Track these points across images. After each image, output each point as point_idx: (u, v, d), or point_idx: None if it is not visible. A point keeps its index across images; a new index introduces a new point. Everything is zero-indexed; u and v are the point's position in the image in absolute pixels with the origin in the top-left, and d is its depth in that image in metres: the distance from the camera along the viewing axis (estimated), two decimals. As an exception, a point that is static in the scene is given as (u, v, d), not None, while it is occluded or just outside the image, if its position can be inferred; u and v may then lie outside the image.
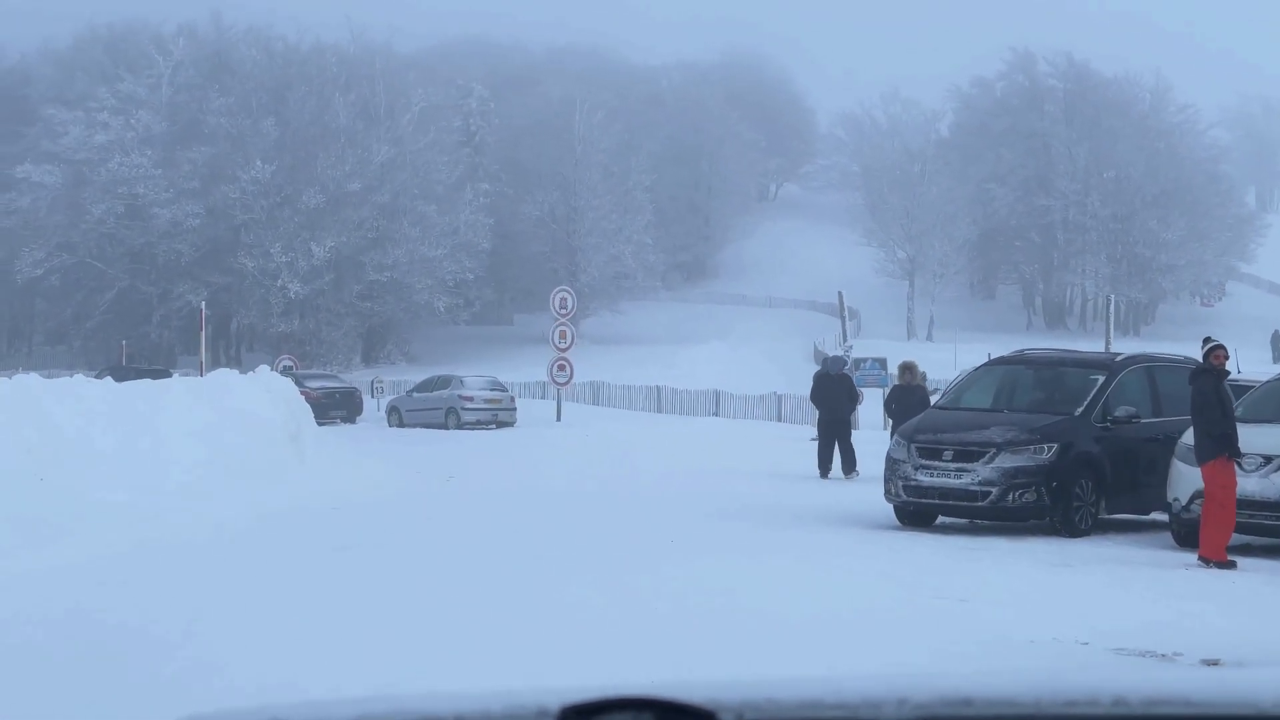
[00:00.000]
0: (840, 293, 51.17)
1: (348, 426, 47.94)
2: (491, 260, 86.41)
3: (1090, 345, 67.91)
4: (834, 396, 25.11)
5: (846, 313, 51.08)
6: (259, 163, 77.05)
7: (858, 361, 38.68)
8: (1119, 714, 1.35)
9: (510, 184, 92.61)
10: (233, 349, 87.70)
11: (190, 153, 78.58)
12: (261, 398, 25.59)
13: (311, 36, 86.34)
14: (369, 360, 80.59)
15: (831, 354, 40.00)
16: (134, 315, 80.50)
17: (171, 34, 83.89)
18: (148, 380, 25.92)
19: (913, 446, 17.85)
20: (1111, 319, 49.82)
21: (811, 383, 26.34)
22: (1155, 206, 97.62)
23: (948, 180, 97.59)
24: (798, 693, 1.36)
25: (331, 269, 78.66)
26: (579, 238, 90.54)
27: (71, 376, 25.34)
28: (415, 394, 49.29)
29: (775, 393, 51.78)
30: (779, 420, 49.55)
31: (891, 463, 18.15)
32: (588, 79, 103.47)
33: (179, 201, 77.76)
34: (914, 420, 19.00)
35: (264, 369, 28.93)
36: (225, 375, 26.25)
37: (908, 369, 23.19)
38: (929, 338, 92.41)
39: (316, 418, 50.46)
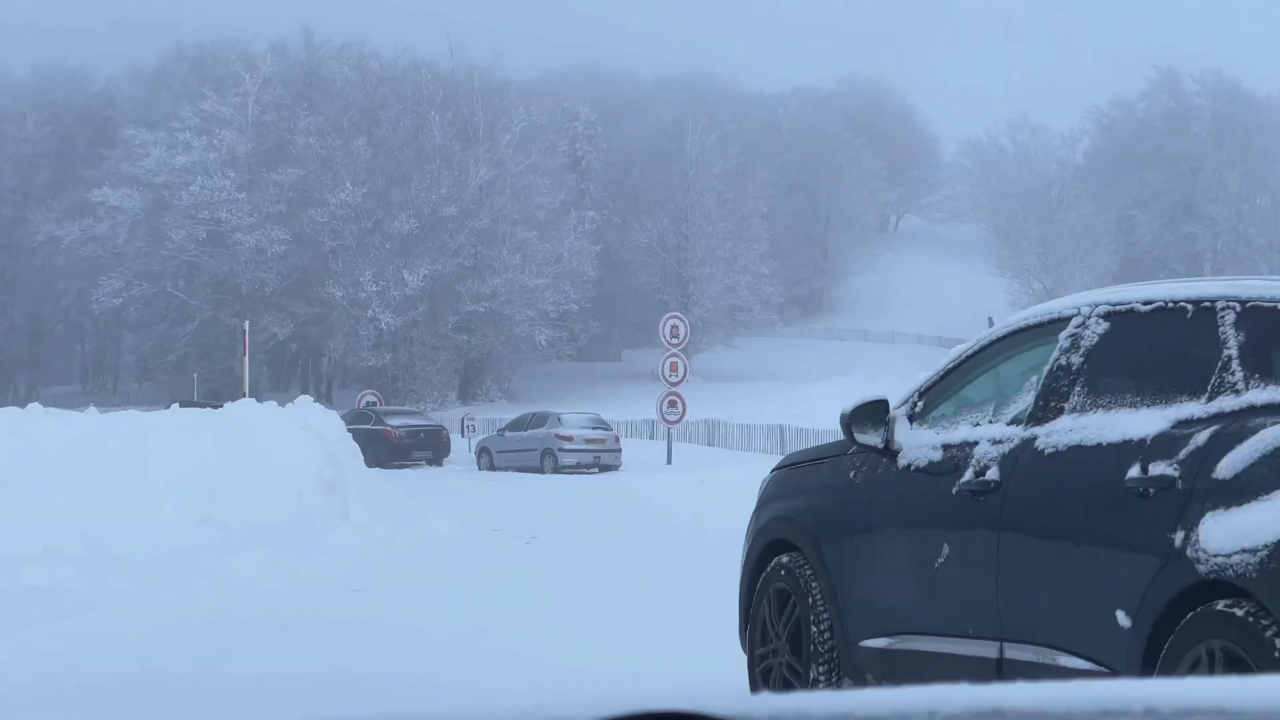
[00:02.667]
0: (990, 319, 44.95)
1: (433, 470, 43.30)
2: (598, 291, 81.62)
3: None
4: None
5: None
6: (349, 185, 72.84)
7: None
8: None
9: (618, 211, 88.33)
10: (324, 385, 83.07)
11: (276, 175, 74.62)
12: (290, 437, 19.86)
13: (408, 55, 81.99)
14: (465, 397, 75.83)
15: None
16: (218, 348, 76.28)
17: (260, 52, 79.83)
18: (133, 411, 20.31)
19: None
20: None
21: None
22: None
23: (1088, 206, 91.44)
24: (828, 705, 1.35)
25: (425, 299, 74.30)
26: (691, 267, 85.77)
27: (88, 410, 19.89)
28: (508, 433, 43.96)
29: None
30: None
31: None
32: (700, 103, 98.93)
33: (263, 227, 73.75)
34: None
35: (305, 400, 23.30)
36: (245, 408, 20.56)
37: None
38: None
39: (399, 459, 45.62)
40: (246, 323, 30.65)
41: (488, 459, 43.68)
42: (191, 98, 77.33)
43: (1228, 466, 5.17)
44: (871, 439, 6.84)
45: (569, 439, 41.01)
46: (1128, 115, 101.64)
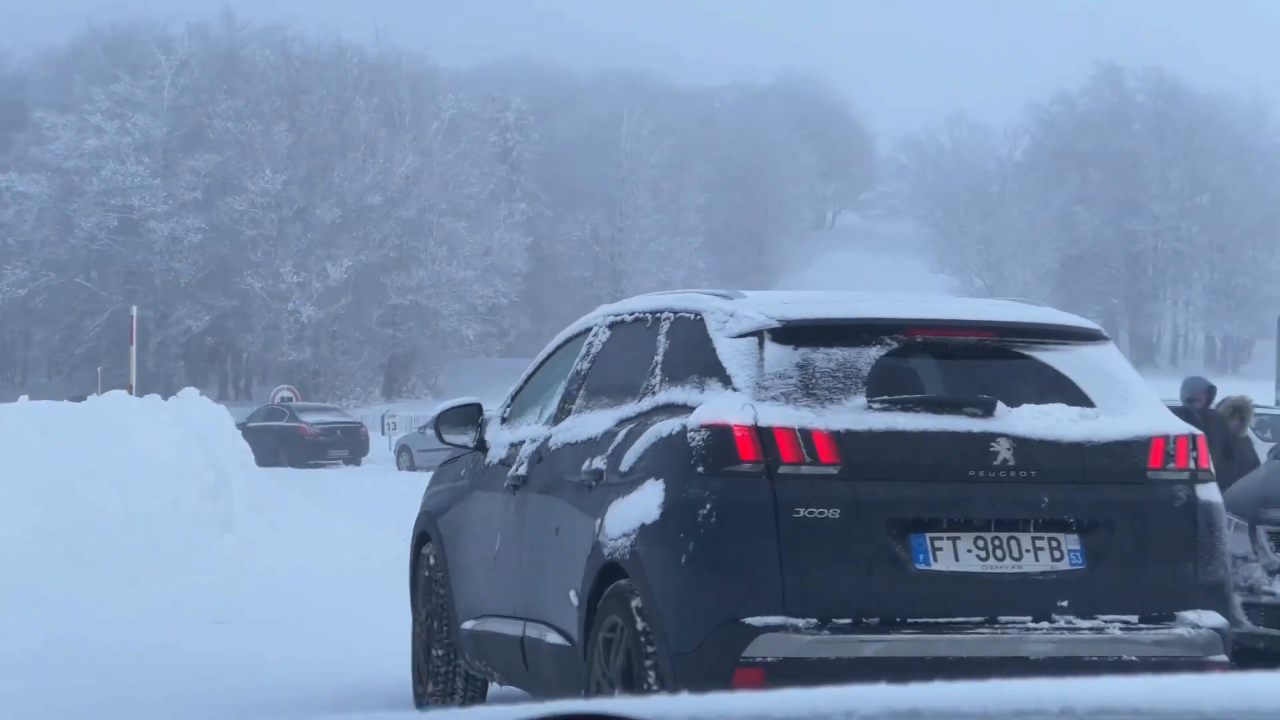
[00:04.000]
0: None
1: (350, 470, 41.01)
2: (528, 285, 79.53)
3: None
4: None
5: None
6: (269, 172, 70.35)
7: None
8: None
9: (550, 204, 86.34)
10: (242, 381, 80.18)
11: (192, 161, 72.05)
12: (166, 436, 17.18)
13: (332, 39, 79.31)
14: (390, 394, 73.58)
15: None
16: (129, 342, 73.10)
17: (178, 34, 77.05)
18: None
19: (1262, 532, 9.55)
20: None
21: None
22: (1259, 233, 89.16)
23: (1029, 203, 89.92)
24: (746, 706, 1.35)
25: (349, 291, 71.90)
26: (625, 261, 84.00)
27: None
28: (429, 431, 41.26)
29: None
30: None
31: None
32: (635, 94, 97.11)
33: (178, 214, 71.06)
34: (1252, 486, 10.42)
35: (189, 392, 20.58)
36: (113, 402, 17.88)
37: (1237, 410, 14.07)
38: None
39: (314, 458, 42.90)
40: (134, 308, 27.87)
41: (408, 458, 41.77)
42: (105, 80, 74.54)
43: (626, 460, 5.81)
44: (462, 439, 7.49)
45: (495, 438, 38.58)
46: (1069, 111, 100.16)
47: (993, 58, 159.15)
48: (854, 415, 5.51)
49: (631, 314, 6.53)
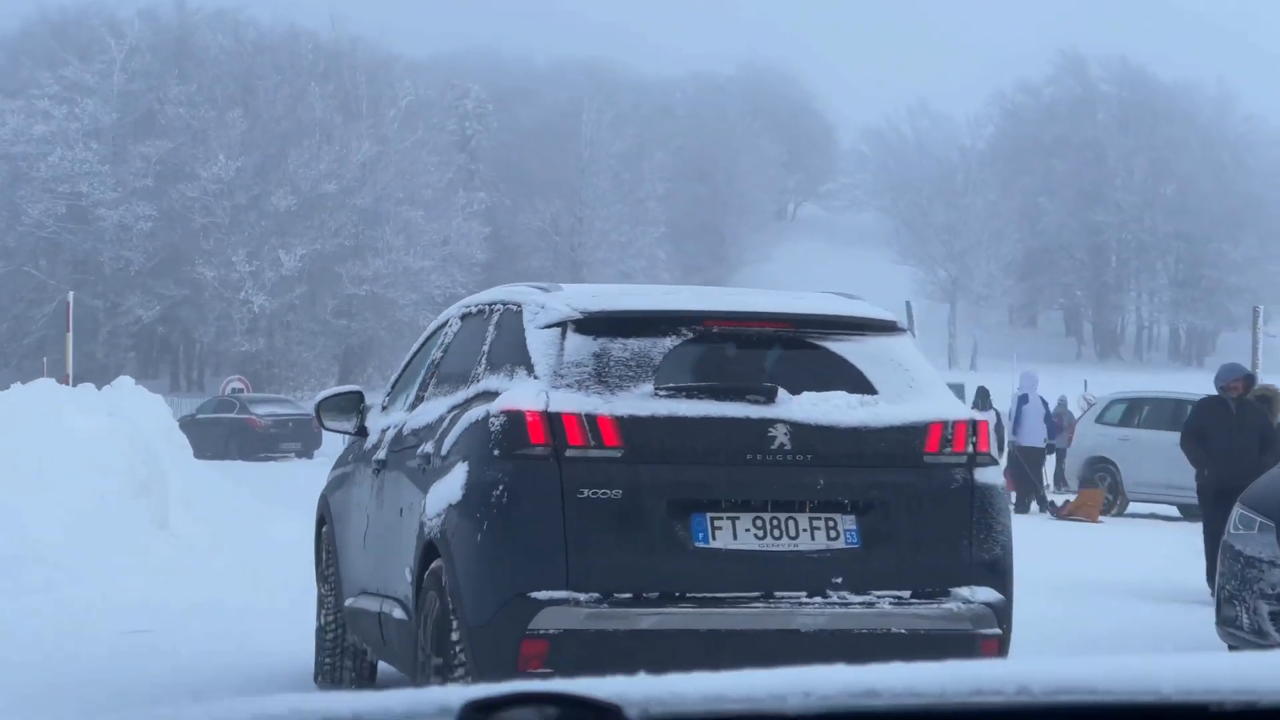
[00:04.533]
0: (908, 303, 41.89)
1: (302, 463, 39.76)
2: (486, 275, 77.80)
3: (1150, 377, 59.11)
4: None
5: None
6: (222, 158, 68.85)
7: (982, 390, 29.24)
8: (1022, 702, 1.37)
9: (509, 193, 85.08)
10: (194, 372, 78.67)
11: (143, 147, 70.46)
12: (95, 427, 16.04)
13: (286, 23, 77.83)
14: (346, 385, 71.89)
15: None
16: (78, 332, 71.44)
17: (129, 17, 75.36)
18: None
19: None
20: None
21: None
22: (1224, 224, 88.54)
23: (993, 193, 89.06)
24: (703, 687, 1.38)
25: (303, 281, 70.34)
26: (585, 251, 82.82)
27: None
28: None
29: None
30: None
31: (1241, 564, 8.87)
32: (595, 83, 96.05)
33: (129, 201, 69.44)
34: (1278, 485, 9.49)
35: (124, 381, 19.48)
36: (38, 390, 16.71)
37: (1266, 397, 13.20)
38: (973, 366, 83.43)
39: (265, 451, 41.56)
40: (71, 294, 26.67)
41: (361, 451, 40.04)
42: (53, 64, 72.78)
43: (445, 445, 6.22)
44: (344, 425, 7.83)
45: (451, 429, 37.50)
46: (1033, 101, 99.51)
47: (955, 46, 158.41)
48: (640, 402, 5.78)
49: (476, 306, 6.94)
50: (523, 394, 5.82)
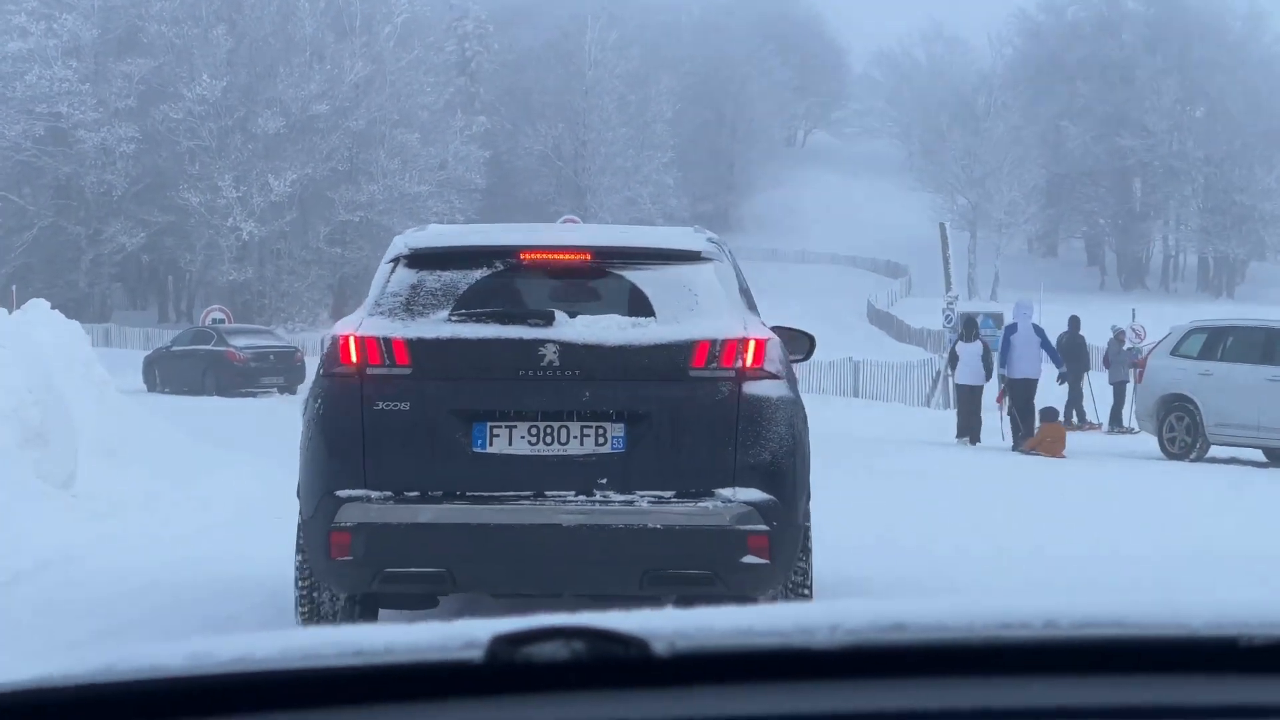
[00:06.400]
0: (943, 225, 38.51)
1: (284, 399, 36.60)
2: (485, 202, 75.28)
3: (1177, 308, 55.88)
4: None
5: (938, 263, 38.24)
6: (207, 78, 65.52)
7: (968, 318, 27.56)
8: (1050, 636, 1.39)
9: (509, 117, 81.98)
10: (183, 303, 75.68)
11: (125, 65, 67.03)
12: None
13: (277, -65, 74.28)
14: (339, 316, 68.18)
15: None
16: (60, 259, 68.76)
17: (110, -71, 71.85)
18: None
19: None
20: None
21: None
22: (1256, 148, 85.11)
23: (1016, 117, 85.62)
24: (730, 620, 1.42)
25: (294, 207, 67.24)
26: (589, 177, 79.75)
27: None
28: (372, 356, 36.99)
29: (850, 358, 39.50)
30: (857, 395, 37.45)
31: None
32: (599, 2, 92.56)
33: (110, 123, 66.16)
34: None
35: (38, 304, 16.27)
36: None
37: None
38: (993, 297, 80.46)
39: (244, 386, 37.77)
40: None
41: (348, 385, 36.99)
42: (30, -21, 69.41)
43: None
44: None
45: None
46: (1056, 20, 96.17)
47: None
48: (432, 327, 6.54)
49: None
50: (346, 323, 6.64)
